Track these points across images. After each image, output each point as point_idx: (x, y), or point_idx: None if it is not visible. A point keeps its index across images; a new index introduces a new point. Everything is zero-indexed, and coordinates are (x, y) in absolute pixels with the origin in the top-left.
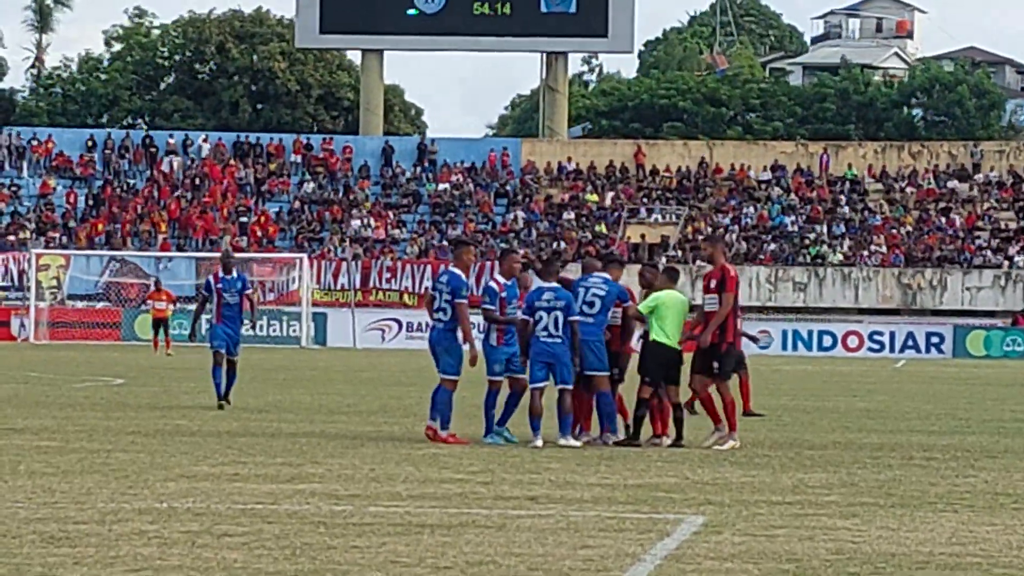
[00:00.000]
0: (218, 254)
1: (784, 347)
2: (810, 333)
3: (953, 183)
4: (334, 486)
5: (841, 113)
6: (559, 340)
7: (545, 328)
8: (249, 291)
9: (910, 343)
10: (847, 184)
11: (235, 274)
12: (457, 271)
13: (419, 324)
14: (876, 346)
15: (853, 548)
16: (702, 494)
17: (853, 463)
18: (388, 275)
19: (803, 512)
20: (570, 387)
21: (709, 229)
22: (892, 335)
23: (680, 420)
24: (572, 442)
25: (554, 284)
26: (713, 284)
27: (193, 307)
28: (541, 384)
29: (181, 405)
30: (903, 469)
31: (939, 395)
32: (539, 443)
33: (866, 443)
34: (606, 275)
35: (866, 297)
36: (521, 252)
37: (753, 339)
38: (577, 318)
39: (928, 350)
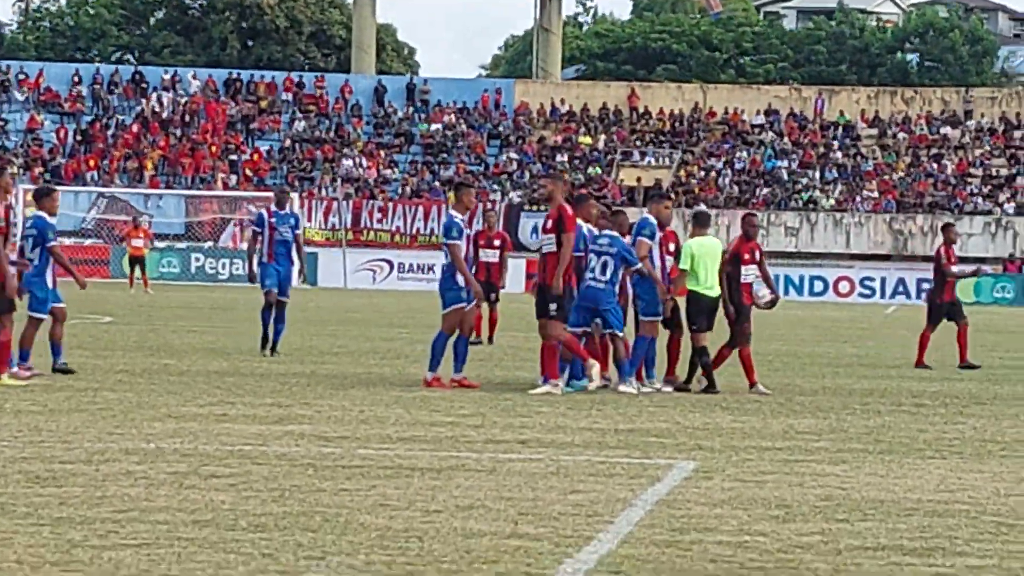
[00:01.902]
0: (208, 192)
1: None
2: (801, 278)
3: (945, 129)
4: (323, 428)
5: (835, 57)
6: (602, 285)
7: (592, 272)
8: (299, 230)
9: (901, 289)
10: (840, 129)
11: (288, 209)
12: (453, 212)
13: (411, 265)
14: (867, 292)
15: (842, 494)
16: (693, 439)
17: (843, 409)
18: (379, 215)
19: (792, 458)
20: (619, 332)
21: (702, 173)
22: (883, 281)
23: (707, 365)
24: (630, 388)
25: (613, 232)
26: (550, 224)
27: (182, 245)
28: (578, 329)
29: (170, 344)
30: (892, 415)
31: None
32: (557, 388)
33: (856, 389)
34: (613, 232)
35: (857, 243)
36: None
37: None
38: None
39: (919, 296)
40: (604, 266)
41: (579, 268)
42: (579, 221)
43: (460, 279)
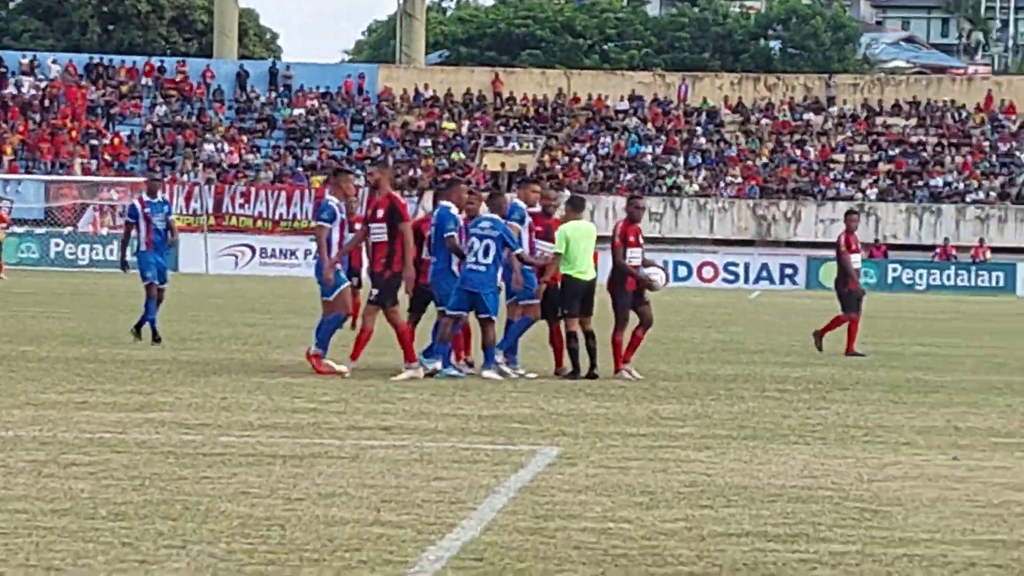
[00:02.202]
0: (68, 176)
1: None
2: (665, 263)
3: (808, 115)
4: (184, 415)
5: (698, 44)
6: (484, 269)
7: (474, 255)
8: (172, 217)
9: (764, 274)
10: (704, 115)
11: (160, 197)
12: (330, 197)
13: (273, 250)
14: (731, 277)
15: (706, 480)
16: (556, 425)
17: (707, 395)
18: (242, 200)
19: (657, 444)
20: (493, 318)
21: (566, 159)
22: (747, 266)
23: (593, 350)
24: (495, 375)
25: (495, 215)
26: (380, 213)
27: (42, 230)
28: (456, 312)
29: (28, 331)
30: (756, 401)
31: (792, 327)
32: (436, 366)
33: (720, 375)
34: (494, 216)
35: (721, 228)
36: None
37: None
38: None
39: (782, 281)
40: (486, 249)
41: (457, 250)
42: (449, 204)
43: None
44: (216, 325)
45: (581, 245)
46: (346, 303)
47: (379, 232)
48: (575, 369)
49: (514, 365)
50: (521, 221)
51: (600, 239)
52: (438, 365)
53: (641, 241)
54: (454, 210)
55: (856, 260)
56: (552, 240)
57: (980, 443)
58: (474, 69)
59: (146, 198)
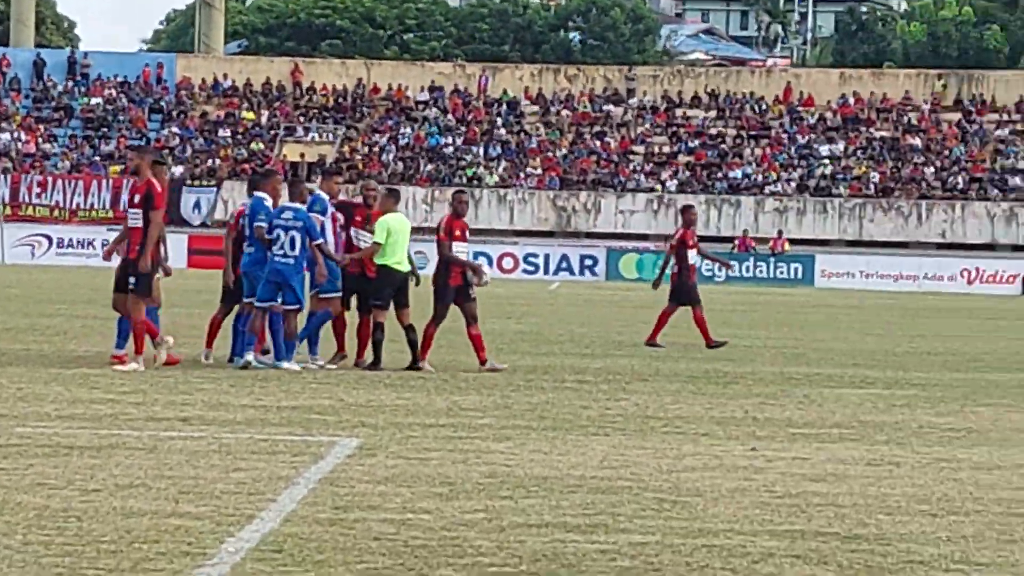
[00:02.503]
0: None
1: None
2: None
3: (608, 107)
4: None
5: (499, 35)
6: (292, 261)
7: (281, 248)
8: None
9: (564, 265)
10: (504, 106)
11: None
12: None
13: (70, 240)
14: (531, 268)
15: (506, 471)
16: (356, 416)
17: (507, 386)
18: (39, 190)
19: (457, 435)
20: (295, 310)
21: (366, 149)
22: (547, 257)
23: (414, 342)
24: (294, 367)
25: (297, 204)
26: (137, 199)
27: None
28: (265, 304)
29: None
30: (556, 392)
31: (592, 318)
32: (248, 358)
33: (520, 366)
34: (296, 205)
35: (521, 219)
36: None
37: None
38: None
39: (582, 272)
40: (292, 241)
41: (264, 240)
42: (263, 195)
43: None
44: (12, 316)
45: (400, 237)
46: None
47: (135, 218)
48: (376, 360)
49: (314, 356)
50: (323, 213)
51: (413, 231)
52: (250, 358)
53: (467, 236)
54: (268, 201)
55: (693, 255)
56: (370, 231)
57: (778, 434)
58: (273, 59)
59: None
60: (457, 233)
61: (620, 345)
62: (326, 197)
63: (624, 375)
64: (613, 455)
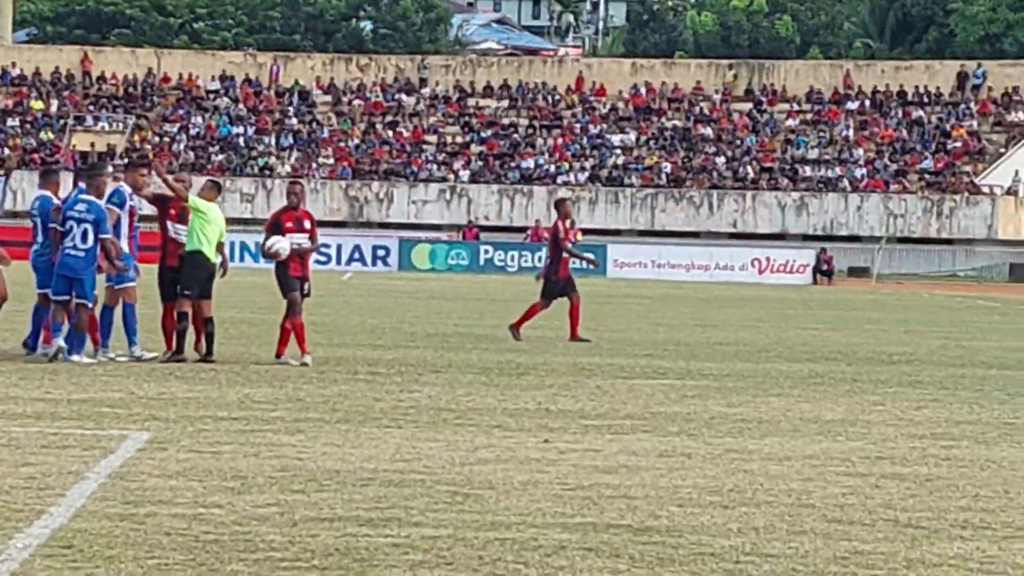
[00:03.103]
0: None
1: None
2: (257, 245)
3: (400, 96)
4: None
5: (290, 24)
6: (83, 254)
7: (72, 240)
8: None
9: (357, 256)
10: (295, 95)
11: None
12: (123, 185)
13: None
14: (323, 258)
15: (298, 464)
16: (147, 410)
17: (299, 378)
18: None
19: (249, 428)
20: (88, 303)
21: (157, 138)
22: (339, 247)
23: (211, 335)
24: (85, 359)
25: (91, 197)
26: None
27: None
28: (62, 297)
29: None
30: (349, 384)
31: (385, 309)
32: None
33: (313, 357)
34: (89, 198)
35: (314, 209)
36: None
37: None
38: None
39: (375, 263)
40: (84, 234)
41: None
42: (124, 186)
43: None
44: None
45: (216, 225)
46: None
47: None
48: (179, 350)
49: (104, 349)
50: (121, 206)
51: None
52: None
53: (307, 227)
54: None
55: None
56: (186, 224)
57: (571, 425)
58: (63, 48)
59: None
60: (288, 225)
61: (413, 336)
62: (127, 190)
63: (417, 367)
64: (406, 448)
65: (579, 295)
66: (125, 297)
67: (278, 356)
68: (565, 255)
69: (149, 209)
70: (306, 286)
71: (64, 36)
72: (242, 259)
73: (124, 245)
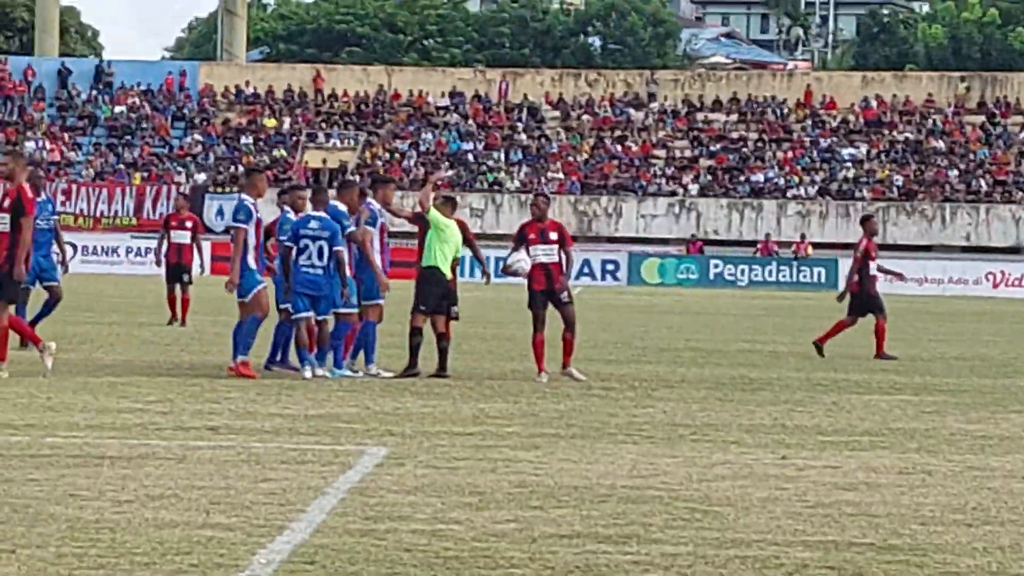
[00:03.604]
0: None
1: (462, 273)
2: (487, 260)
3: (629, 111)
4: (10, 416)
5: (519, 40)
6: (321, 271)
7: (308, 258)
8: (56, 216)
9: (586, 270)
10: (524, 111)
11: (44, 195)
12: (244, 196)
13: (95, 247)
14: None
15: (535, 480)
16: (383, 425)
17: (533, 393)
18: (63, 198)
19: (484, 443)
20: (327, 319)
21: (387, 155)
22: None
23: (444, 350)
24: (324, 373)
25: (321, 213)
26: (7, 203)
27: None
28: (304, 315)
29: None
30: (582, 399)
31: (615, 323)
32: (307, 374)
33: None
34: (321, 214)
35: None
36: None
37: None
38: (341, 248)
39: (604, 277)
40: (320, 251)
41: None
42: (374, 202)
43: (251, 261)
44: (39, 324)
45: (454, 242)
46: (262, 304)
47: (2, 223)
48: (412, 364)
49: (369, 365)
50: (374, 223)
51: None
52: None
53: (552, 238)
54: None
55: (874, 266)
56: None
57: (807, 441)
58: (295, 66)
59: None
60: (532, 237)
61: (645, 351)
62: (377, 206)
63: (650, 382)
64: (642, 463)
65: (886, 313)
66: (369, 315)
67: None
68: (873, 272)
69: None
70: (563, 295)
71: (296, 54)
72: (472, 274)
73: (377, 259)
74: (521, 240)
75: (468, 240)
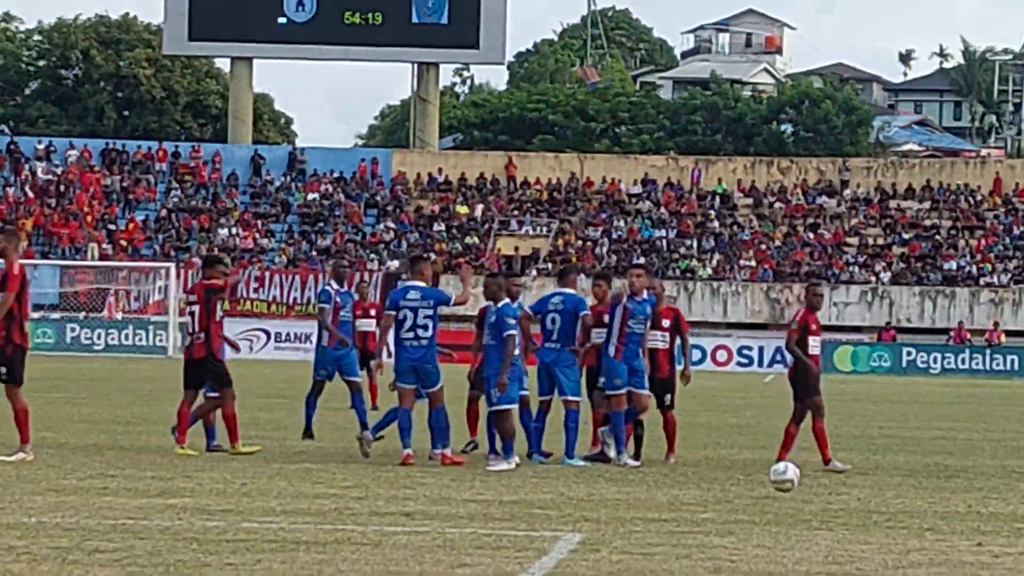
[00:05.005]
0: (84, 262)
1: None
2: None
3: (822, 199)
4: (206, 500)
5: (711, 127)
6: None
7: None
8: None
9: (779, 358)
10: (717, 198)
11: (347, 287)
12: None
13: (287, 334)
14: (744, 360)
15: (731, 567)
16: (578, 511)
17: (727, 480)
18: (256, 285)
19: (679, 529)
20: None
21: (579, 242)
22: (760, 349)
23: (640, 438)
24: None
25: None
26: None
27: (57, 316)
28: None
29: (46, 416)
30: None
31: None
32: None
33: (738, 459)
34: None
35: (735, 311)
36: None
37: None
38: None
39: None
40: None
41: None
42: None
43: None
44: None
45: None
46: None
47: None
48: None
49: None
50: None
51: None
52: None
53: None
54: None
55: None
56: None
57: (1004, 528)
58: (488, 153)
59: (335, 286)
60: (813, 327)
61: (837, 438)
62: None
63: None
64: (837, 550)
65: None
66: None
67: (825, 462)
68: None
69: None
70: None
71: (489, 142)
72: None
73: None
74: (804, 331)
75: (681, 332)
